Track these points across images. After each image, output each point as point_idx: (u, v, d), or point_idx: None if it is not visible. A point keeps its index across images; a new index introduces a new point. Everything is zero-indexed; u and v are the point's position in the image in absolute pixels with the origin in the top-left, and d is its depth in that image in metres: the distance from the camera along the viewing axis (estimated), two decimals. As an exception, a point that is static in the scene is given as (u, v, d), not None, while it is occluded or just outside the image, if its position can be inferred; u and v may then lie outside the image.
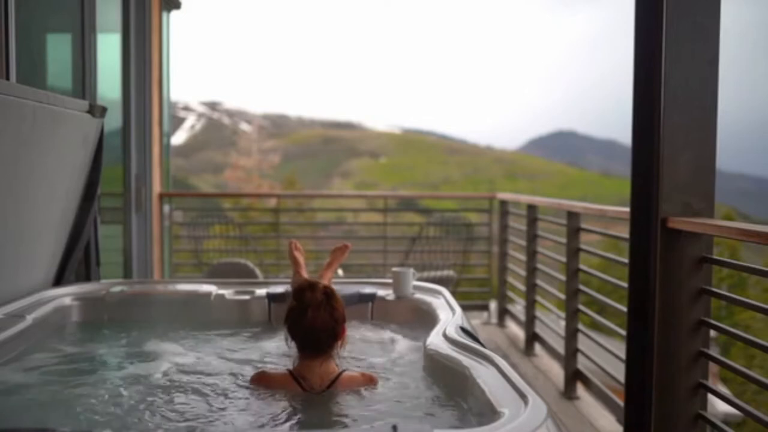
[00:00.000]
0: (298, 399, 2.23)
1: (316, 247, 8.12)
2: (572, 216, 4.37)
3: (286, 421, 2.10)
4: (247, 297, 3.45)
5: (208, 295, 3.46)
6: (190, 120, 53.00)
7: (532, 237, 5.34)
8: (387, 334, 3.15)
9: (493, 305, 6.69)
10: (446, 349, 2.41)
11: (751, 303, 2.52)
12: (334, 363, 2.34)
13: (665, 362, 2.62)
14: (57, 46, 4.93)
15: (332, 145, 52.52)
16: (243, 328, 3.27)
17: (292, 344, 2.33)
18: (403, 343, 2.98)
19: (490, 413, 1.80)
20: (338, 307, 2.32)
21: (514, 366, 2.16)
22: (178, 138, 49.59)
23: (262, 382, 2.33)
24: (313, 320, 2.27)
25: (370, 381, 2.35)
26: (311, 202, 15.37)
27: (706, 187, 2.67)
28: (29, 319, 2.89)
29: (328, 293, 2.32)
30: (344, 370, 2.33)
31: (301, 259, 3.42)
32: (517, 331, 5.96)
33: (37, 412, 2.23)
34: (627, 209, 2.84)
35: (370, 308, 3.42)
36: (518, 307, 6.12)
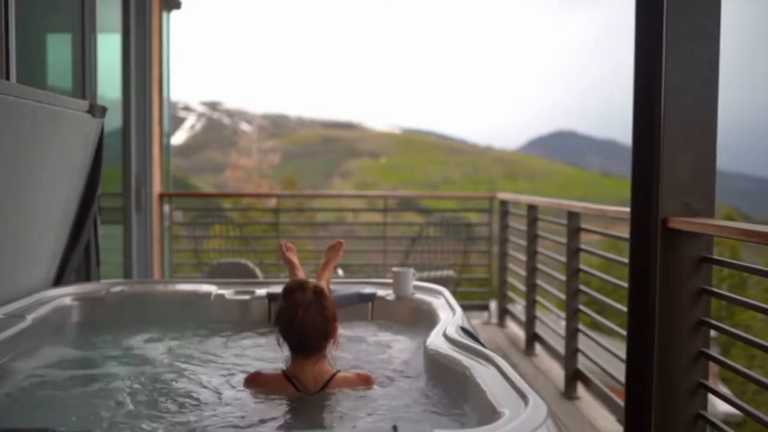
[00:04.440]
0: (292, 400, 2.22)
1: (316, 247, 8.11)
2: (572, 216, 4.37)
3: (280, 422, 2.10)
4: (247, 297, 3.45)
5: (208, 295, 3.46)
6: (190, 120, 52.98)
7: (532, 237, 5.34)
8: (387, 334, 3.15)
9: (493, 305, 6.69)
10: (446, 349, 2.41)
11: (751, 303, 2.52)
12: (327, 363, 2.33)
13: (665, 362, 2.62)
14: (57, 46, 4.93)
15: (332, 145, 52.50)
16: (243, 328, 3.27)
17: (285, 345, 2.32)
18: (403, 343, 2.98)
19: (490, 413, 1.80)
20: (328, 306, 2.30)
21: (514, 366, 2.16)
22: (178, 138, 49.58)
23: (257, 383, 2.33)
24: (304, 321, 2.25)
25: (366, 381, 2.33)
26: (311, 202, 15.35)
27: (706, 187, 2.67)
28: (29, 319, 2.89)
29: (318, 292, 2.31)
30: (339, 371, 2.33)
31: (295, 260, 3.39)
32: (517, 331, 5.96)
33: (37, 412, 2.23)
34: (627, 209, 2.84)
35: (370, 308, 3.42)
36: (518, 307, 6.12)
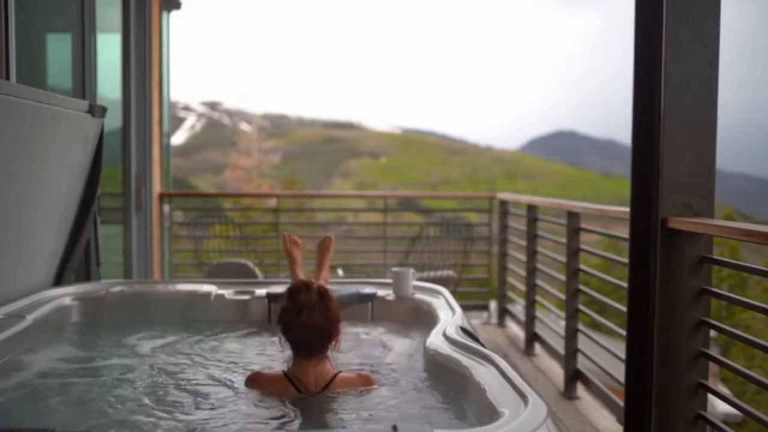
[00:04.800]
0: (293, 401, 2.22)
1: (316, 247, 8.10)
2: (572, 216, 4.37)
3: (281, 423, 2.09)
4: (247, 297, 3.45)
5: (208, 295, 3.46)
6: (190, 120, 52.97)
7: (532, 237, 5.34)
8: (387, 335, 3.15)
9: (493, 305, 6.69)
10: (446, 349, 2.41)
11: (751, 303, 2.52)
12: (329, 364, 2.32)
13: (665, 362, 2.62)
14: (57, 46, 4.93)
15: (332, 145, 52.50)
16: (243, 328, 3.27)
17: (287, 345, 2.32)
18: (403, 343, 2.98)
19: (490, 413, 1.80)
20: (332, 307, 2.30)
21: (514, 366, 2.16)
22: (178, 138, 49.57)
23: (257, 383, 2.32)
24: (308, 321, 2.25)
25: (367, 382, 2.33)
26: (311, 202, 15.37)
27: (706, 187, 2.67)
28: (29, 319, 2.89)
29: (322, 293, 2.30)
30: (340, 371, 2.32)
31: (297, 254, 3.37)
32: (517, 331, 5.96)
33: (37, 412, 2.23)
34: (627, 209, 2.84)
35: (370, 308, 3.42)
36: (518, 307, 6.12)
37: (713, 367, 2.79)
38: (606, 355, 4.03)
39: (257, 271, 5.46)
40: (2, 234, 2.87)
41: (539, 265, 5.33)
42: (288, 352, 2.33)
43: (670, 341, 2.62)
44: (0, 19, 3.30)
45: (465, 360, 2.24)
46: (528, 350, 5.32)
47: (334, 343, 2.33)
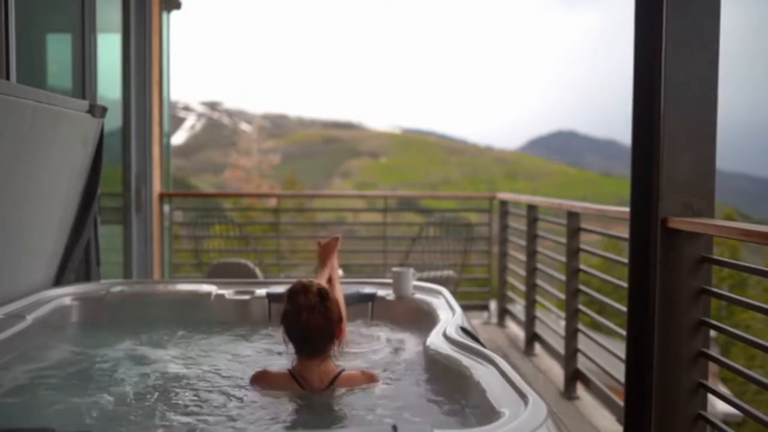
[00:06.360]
0: (298, 399, 2.23)
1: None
2: (572, 216, 4.37)
3: (287, 420, 2.10)
4: (247, 297, 3.45)
5: (208, 295, 3.46)
6: (190, 120, 52.98)
7: (532, 237, 5.34)
8: (387, 334, 3.15)
9: (493, 305, 6.69)
10: (446, 349, 2.41)
11: (751, 303, 2.52)
12: (332, 362, 2.34)
13: (665, 362, 2.62)
14: (57, 46, 4.93)
15: (332, 145, 52.50)
16: (243, 328, 3.27)
17: (290, 344, 2.33)
18: (403, 343, 2.98)
19: (490, 413, 1.80)
20: (333, 308, 2.30)
21: (514, 366, 2.16)
22: (178, 138, 49.58)
23: (263, 381, 2.33)
24: (308, 322, 2.26)
25: (370, 379, 2.34)
26: (311, 202, 15.38)
27: (706, 187, 2.67)
28: (29, 319, 2.89)
29: (322, 294, 2.30)
30: (343, 370, 2.33)
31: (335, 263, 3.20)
32: (517, 331, 5.96)
33: (37, 412, 2.23)
34: (627, 209, 2.84)
35: (370, 308, 3.42)
36: (518, 307, 6.12)
37: (713, 367, 2.79)
38: (606, 355, 4.03)
39: (257, 271, 5.46)
40: (2, 234, 2.87)
41: (539, 265, 5.33)
42: (292, 351, 2.33)
43: (670, 341, 2.61)
44: (0, 19, 3.30)
45: (465, 360, 2.24)
46: (528, 350, 5.32)
47: (337, 342, 2.34)
